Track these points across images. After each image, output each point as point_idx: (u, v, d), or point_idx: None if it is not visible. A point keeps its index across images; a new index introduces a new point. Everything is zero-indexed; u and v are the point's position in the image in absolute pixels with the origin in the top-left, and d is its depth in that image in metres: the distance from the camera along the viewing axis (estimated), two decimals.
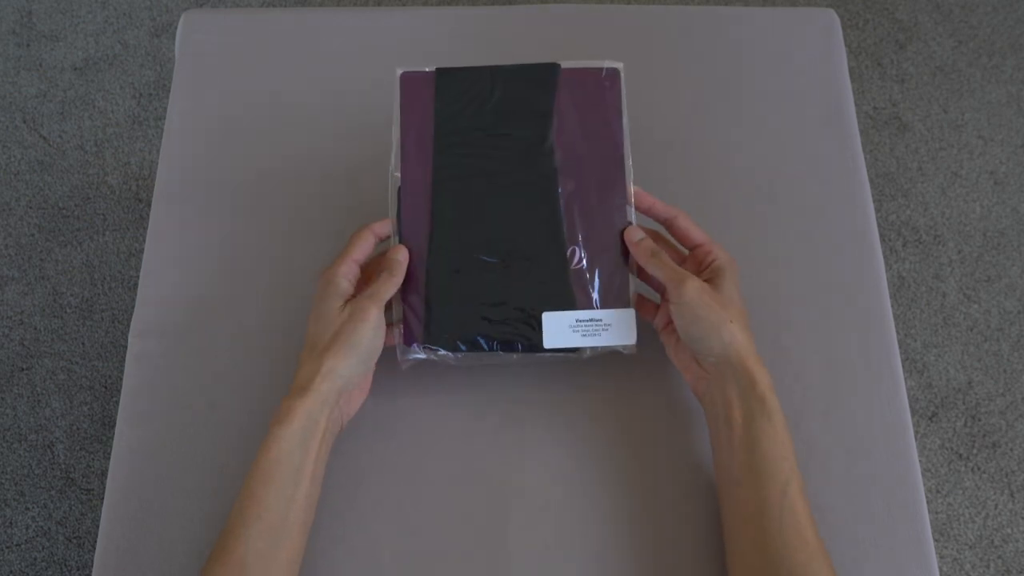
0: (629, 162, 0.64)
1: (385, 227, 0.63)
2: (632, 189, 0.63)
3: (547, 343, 0.61)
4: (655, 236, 0.64)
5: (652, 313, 0.64)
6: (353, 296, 0.60)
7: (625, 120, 0.64)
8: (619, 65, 0.65)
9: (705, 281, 0.60)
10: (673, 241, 0.65)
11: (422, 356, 0.62)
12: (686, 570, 0.60)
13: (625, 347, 0.62)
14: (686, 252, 0.64)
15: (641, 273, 0.63)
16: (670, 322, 0.61)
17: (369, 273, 0.62)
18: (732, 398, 0.57)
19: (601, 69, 0.65)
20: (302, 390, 0.56)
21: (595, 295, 0.61)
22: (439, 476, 0.63)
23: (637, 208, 0.63)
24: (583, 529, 0.61)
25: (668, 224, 0.64)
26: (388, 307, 0.61)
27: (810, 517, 0.54)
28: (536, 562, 0.60)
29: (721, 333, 0.57)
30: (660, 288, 0.64)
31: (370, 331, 0.57)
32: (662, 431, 0.64)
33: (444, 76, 0.65)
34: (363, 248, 0.61)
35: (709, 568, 0.60)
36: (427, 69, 0.65)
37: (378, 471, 0.63)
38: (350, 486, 0.62)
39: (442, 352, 0.62)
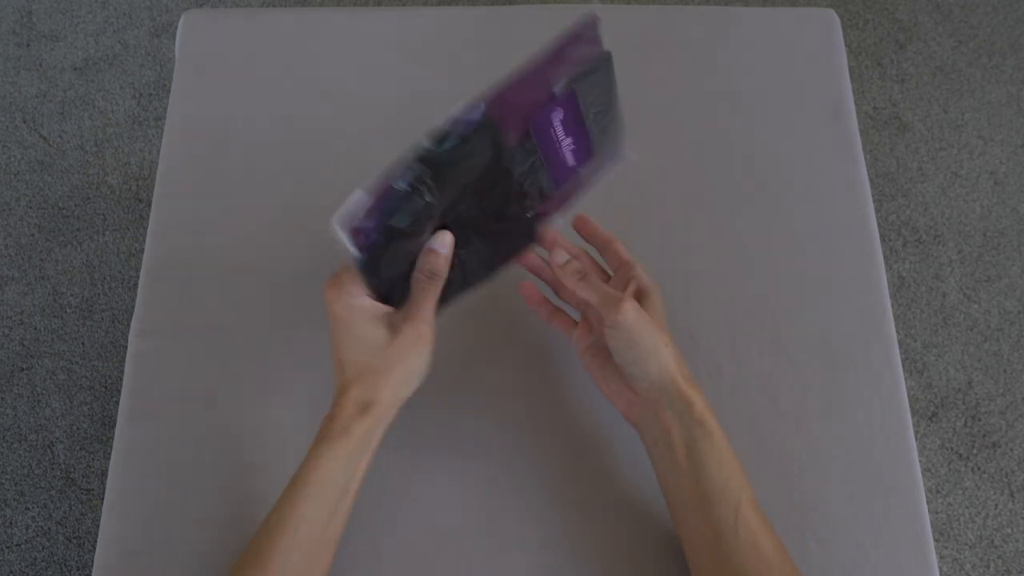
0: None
1: None
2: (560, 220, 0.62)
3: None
4: (578, 254, 0.63)
5: (569, 328, 0.62)
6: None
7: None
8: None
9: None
10: (601, 263, 0.64)
11: (343, 239, 0.54)
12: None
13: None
14: (611, 274, 0.63)
15: (563, 292, 0.62)
16: (591, 346, 0.60)
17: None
18: (670, 423, 0.56)
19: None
20: (364, 410, 0.54)
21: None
22: (438, 476, 0.63)
23: (579, 232, 0.62)
24: (582, 522, 0.61)
25: (603, 247, 0.63)
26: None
27: (766, 528, 0.54)
28: (536, 559, 0.60)
29: (658, 356, 0.56)
30: (581, 307, 0.62)
31: (431, 354, 0.56)
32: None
33: (603, 63, 0.59)
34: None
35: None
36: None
37: (376, 471, 0.63)
38: None
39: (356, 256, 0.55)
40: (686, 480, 0.55)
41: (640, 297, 0.59)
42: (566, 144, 0.60)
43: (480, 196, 0.58)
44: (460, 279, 0.61)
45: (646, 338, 0.56)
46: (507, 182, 0.59)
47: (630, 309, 0.55)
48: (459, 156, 0.55)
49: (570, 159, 0.61)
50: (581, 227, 0.63)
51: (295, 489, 0.53)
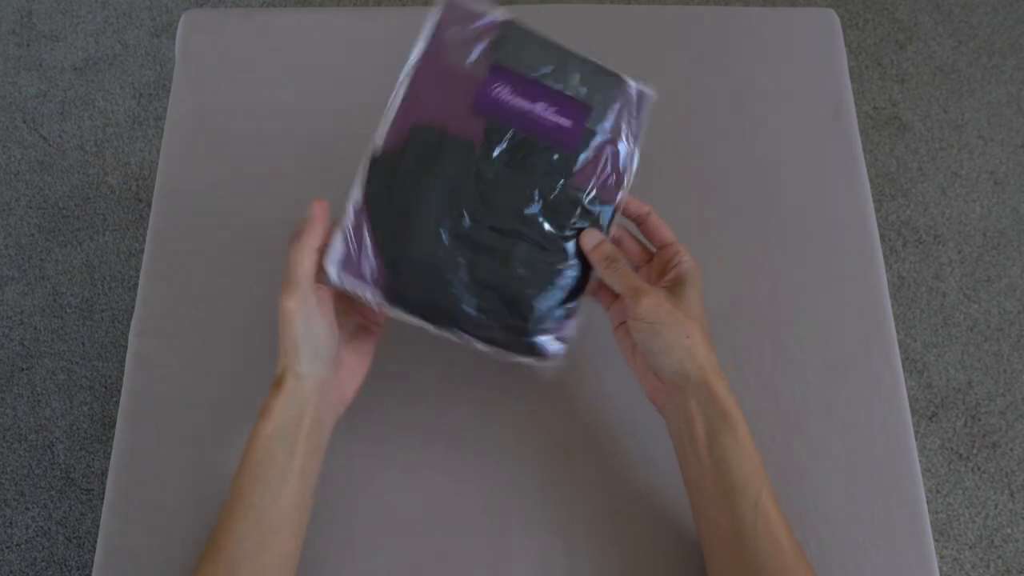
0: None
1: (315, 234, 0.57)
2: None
3: (531, 336, 0.58)
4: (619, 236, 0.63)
5: (609, 302, 0.62)
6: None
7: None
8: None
9: (667, 287, 0.58)
10: (641, 238, 0.63)
11: (346, 288, 0.56)
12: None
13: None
14: (653, 250, 0.62)
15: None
16: (624, 322, 0.60)
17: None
18: (693, 413, 0.55)
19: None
20: (276, 387, 0.55)
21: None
22: (438, 477, 0.63)
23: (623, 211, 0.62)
24: (582, 520, 0.61)
25: (639, 221, 0.62)
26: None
27: (784, 523, 0.54)
28: (536, 557, 0.60)
29: (679, 349, 0.55)
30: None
31: (299, 325, 0.54)
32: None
33: (509, 30, 0.59)
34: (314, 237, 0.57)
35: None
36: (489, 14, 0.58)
37: (377, 472, 0.63)
38: (349, 489, 0.62)
39: (374, 300, 0.56)
40: (708, 473, 0.55)
41: (676, 282, 0.58)
42: (541, 109, 0.60)
43: (478, 209, 0.58)
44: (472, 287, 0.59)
45: (668, 331, 0.55)
46: (492, 183, 0.59)
47: (650, 305, 0.55)
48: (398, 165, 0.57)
49: (563, 121, 0.60)
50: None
51: (237, 475, 0.54)
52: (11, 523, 1.19)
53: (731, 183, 0.75)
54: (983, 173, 1.44)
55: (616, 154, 0.61)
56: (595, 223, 0.60)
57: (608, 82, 0.62)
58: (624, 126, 0.62)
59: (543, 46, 0.61)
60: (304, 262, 0.55)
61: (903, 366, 0.68)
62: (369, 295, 0.56)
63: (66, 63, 1.50)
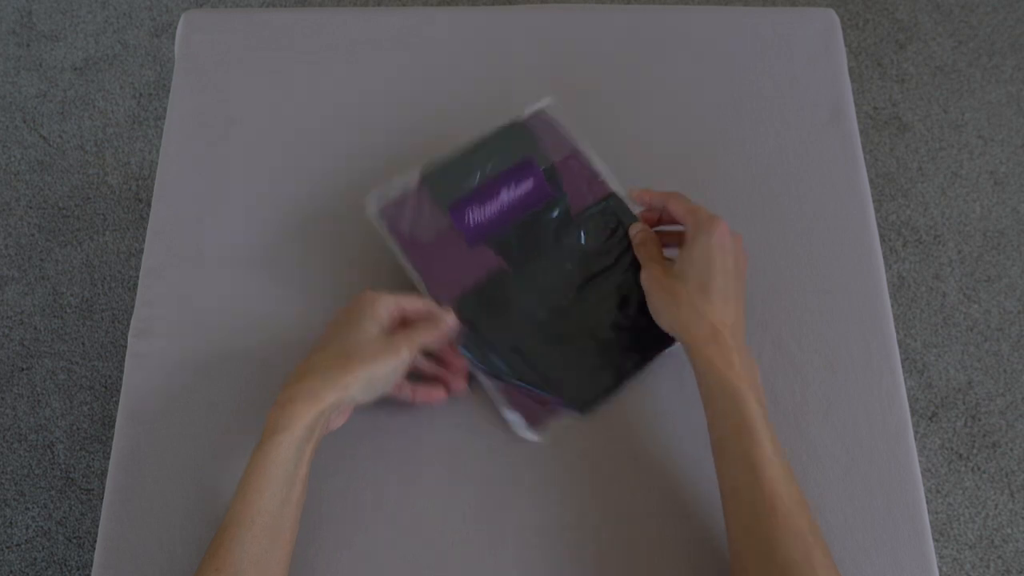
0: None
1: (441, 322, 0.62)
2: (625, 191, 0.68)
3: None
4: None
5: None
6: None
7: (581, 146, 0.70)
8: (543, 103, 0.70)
9: (678, 255, 0.63)
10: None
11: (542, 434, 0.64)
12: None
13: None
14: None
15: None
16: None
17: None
18: (698, 378, 0.60)
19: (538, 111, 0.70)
20: (312, 397, 0.55)
21: None
22: (438, 479, 0.63)
23: (640, 203, 0.67)
24: (581, 523, 0.61)
25: (664, 211, 0.66)
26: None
27: (791, 476, 0.55)
28: (535, 559, 0.60)
29: (666, 315, 0.61)
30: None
31: (393, 370, 0.58)
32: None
33: (428, 178, 0.67)
34: (416, 306, 0.61)
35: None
36: (397, 181, 0.67)
37: (378, 473, 0.63)
38: (348, 490, 0.62)
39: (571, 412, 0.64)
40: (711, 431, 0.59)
41: (681, 249, 0.62)
42: (506, 195, 0.68)
43: (551, 310, 0.66)
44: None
45: (654, 300, 0.62)
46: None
47: (643, 276, 0.64)
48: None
49: (527, 185, 0.69)
50: (638, 199, 0.67)
51: (248, 482, 0.54)
52: (11, 523, 1.19)
53: (731, 183, 0.75)
54: (983, 173, 1.44)
55: (576, 162, 0.70)
56: (617, 217, 0.68)
57: (515, 131, 0.70)
58: (556, 141, 0.70)
59: (455, 160, 0.68)
60: (426, 339, 0.60)
61: (903, 366, 0.68)
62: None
63: (66, 63, 1.50)
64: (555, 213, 0.68)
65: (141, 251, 1.33)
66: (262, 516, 0.53)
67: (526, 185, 0.68)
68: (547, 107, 0.71)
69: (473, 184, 0.67)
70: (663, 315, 0.62)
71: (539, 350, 0.65)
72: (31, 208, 1.39)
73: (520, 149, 0.69)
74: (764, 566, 0.53)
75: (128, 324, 0.69)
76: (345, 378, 0.56)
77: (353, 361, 0.56)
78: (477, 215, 0.67)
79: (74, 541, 1.18)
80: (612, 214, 0.68)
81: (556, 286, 0.66)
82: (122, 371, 0.67)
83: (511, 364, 0.64)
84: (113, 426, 0.65)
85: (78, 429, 1.24)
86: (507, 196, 0.67)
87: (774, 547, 0.53)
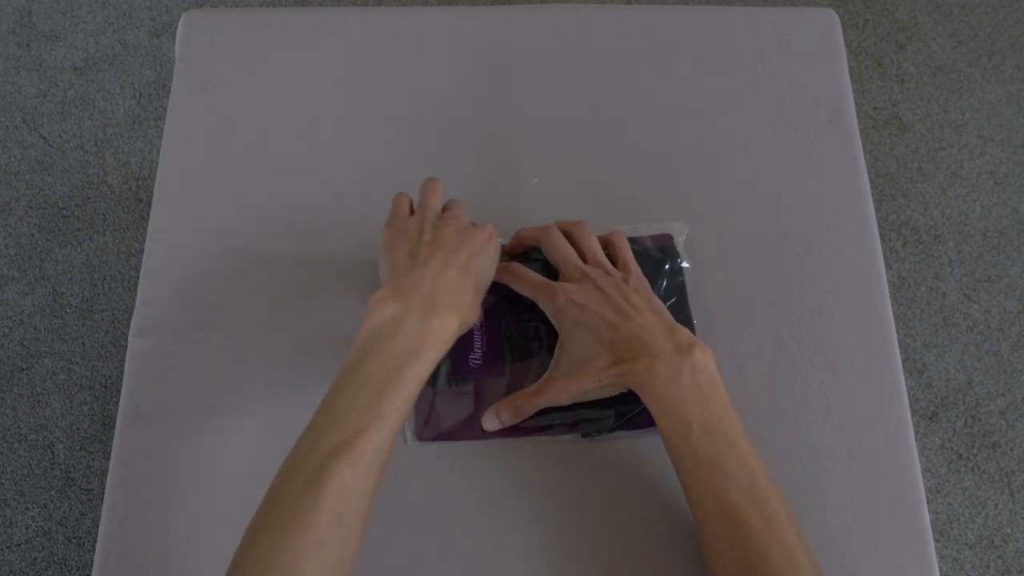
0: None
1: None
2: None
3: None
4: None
5: None
6: None
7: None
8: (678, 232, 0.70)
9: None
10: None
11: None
12: None
13: None
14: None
15: None
16: None
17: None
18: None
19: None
20: (442, 329, 0.56)
21: None
22: (439, 484, 0.63)
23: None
24: (581, 532, 0.61)
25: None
26: None
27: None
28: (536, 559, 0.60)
29: (596, 394, 0.62)
30: None
31: (487, 275, 0.63)
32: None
33: None
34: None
35: None
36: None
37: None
38: None
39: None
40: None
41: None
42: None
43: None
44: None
45: (586, 395, 0.62)
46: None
47: (559, 389, 0.62)
48: None
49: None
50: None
51: (401, 387, 0.54)
52: (11, 523, 1.19)
53: (731, 183, 0.75)
54: (983, 173, 1.44)
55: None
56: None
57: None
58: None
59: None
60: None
61: (903, 366, 0.68)
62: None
63: (66, 63, 1.50)
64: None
65: (141, 251, 1.33)
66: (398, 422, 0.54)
67: None
68: None
69: None
70: (595, 394, 0.62)
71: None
72: (31, 208, 1.39)
73: None
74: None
75: (128, 324, 0.69)
76: (459, 297, 0.58)
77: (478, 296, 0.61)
78: None
79: (74, 541, 1.18)
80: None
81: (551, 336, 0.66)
82: (122, 371, 0.67)
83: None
84: (113, 426, 0.65)
85: (78, 429, 1.24)
86: None
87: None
